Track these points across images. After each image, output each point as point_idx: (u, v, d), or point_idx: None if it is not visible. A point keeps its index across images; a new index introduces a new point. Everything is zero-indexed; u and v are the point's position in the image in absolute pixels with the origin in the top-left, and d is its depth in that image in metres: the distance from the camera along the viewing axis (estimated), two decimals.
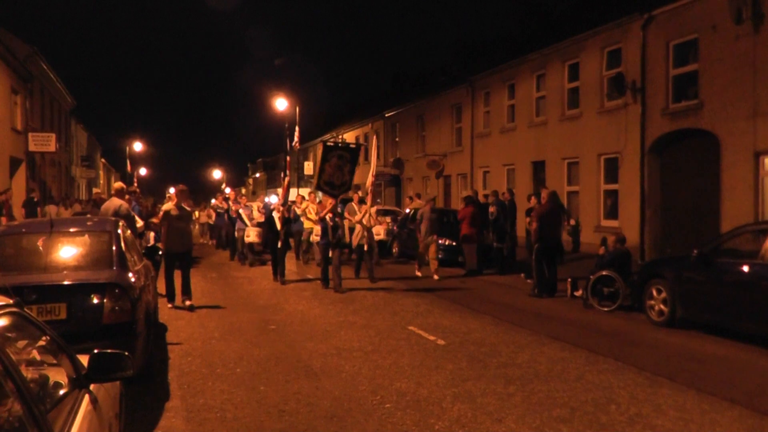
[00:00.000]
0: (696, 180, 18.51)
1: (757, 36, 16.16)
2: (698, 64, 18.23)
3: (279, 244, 16.93)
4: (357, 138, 48.39)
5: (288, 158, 20.33)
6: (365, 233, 16.96)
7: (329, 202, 16.15)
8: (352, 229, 17.36)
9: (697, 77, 18.30)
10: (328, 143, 17.74)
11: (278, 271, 16.89)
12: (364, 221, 17.05)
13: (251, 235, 20.48)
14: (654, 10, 19.47)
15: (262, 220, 19.79)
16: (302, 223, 20.76)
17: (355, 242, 17.19)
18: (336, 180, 16.38)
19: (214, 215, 28.49)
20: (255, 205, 22.41)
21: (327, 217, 15.62)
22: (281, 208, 17.20)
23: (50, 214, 19.66)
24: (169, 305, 12.88)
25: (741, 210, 16.48)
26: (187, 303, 12.97)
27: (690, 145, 18.89)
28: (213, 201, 30.17)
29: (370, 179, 18.56)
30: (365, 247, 17.02)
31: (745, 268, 10.15)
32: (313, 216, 19.99)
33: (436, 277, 17.61)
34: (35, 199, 23.32)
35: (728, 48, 16.99)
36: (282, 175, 17.73)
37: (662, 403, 7.07)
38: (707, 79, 17.83)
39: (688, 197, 18.87)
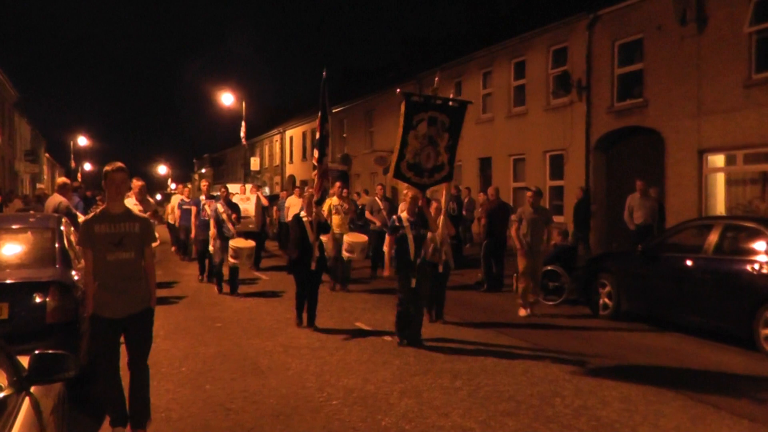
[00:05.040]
0: (641, 176, 18.76)
1: (701, 37, 16.45)
2: (643, 64, 18.52)
3: (313, 266, 10.93)
4: (304, 134, 47.16)
5: (321, 129, 12.09)
6: (437, 245, 10.37)
7: (408, 196, 10.23)
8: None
9: (642, 76, 18.60)
10: (413, 97, 10.42)
11: (305, 309, 10.97)
12: (438, 226, 10.34)
13: (239, 253, 13.59)
14: (600, 10, 19.72)
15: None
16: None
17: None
18: (425, 161, 10.07)
19: (179, 214, 20.58)
20: (254, 197, 19.49)
21: (404, 220, 9.95)
22: (315, 209, 11.30)
23: (14, 209, 19.05)
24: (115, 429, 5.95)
25: (685, 206, 16.82)
26: None
27: (635, 142, 19.19)
28: (163, 196, 27.55)
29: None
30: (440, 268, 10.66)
31: (689, 262, 10.37)
32: (341, 216, 14.86)
33: (523, 312, 12.28)
34: (11, 197, 22.79)
35: (673, 48, 17.27)
36: (314, 158, 12.00)
37: (607, 395, 7.18)
38: (652, 79, 18.13)
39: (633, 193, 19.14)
